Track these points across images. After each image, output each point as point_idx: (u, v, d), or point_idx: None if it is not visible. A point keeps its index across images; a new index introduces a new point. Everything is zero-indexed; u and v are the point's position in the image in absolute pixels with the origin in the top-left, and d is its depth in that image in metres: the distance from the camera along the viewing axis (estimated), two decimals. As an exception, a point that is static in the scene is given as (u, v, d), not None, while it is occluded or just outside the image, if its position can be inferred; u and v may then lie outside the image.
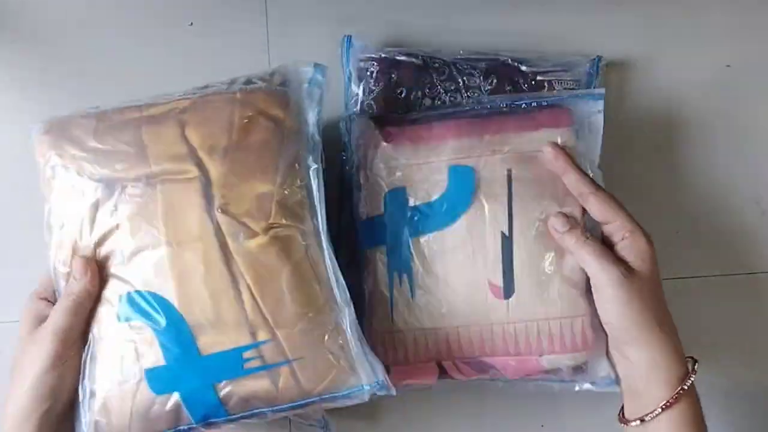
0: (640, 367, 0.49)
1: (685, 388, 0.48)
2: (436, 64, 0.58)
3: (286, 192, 0.48)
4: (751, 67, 0.64)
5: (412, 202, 0.53)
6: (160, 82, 0.62)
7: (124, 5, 0.62)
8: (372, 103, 0.58)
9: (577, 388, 0.55)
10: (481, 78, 0.58)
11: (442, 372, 0.54)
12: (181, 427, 0.47)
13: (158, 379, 0.46)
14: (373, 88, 0.58)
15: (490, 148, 0.52)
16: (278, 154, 0.48)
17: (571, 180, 0.51)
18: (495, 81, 0.58)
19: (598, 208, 0.50)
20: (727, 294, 0.64)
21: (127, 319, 0.46)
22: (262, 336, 0.46)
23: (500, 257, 0.51)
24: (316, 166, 0.49)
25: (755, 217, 0.64)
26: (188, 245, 0.46)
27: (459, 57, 0.58)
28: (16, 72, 0.63)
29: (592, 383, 0.54)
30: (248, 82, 0.50)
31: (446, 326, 0.52)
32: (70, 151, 0.48)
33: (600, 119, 0.53)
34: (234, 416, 0.47)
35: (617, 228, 0.50)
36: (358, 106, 0.58)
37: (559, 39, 0.63)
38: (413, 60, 0.58)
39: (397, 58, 0.58)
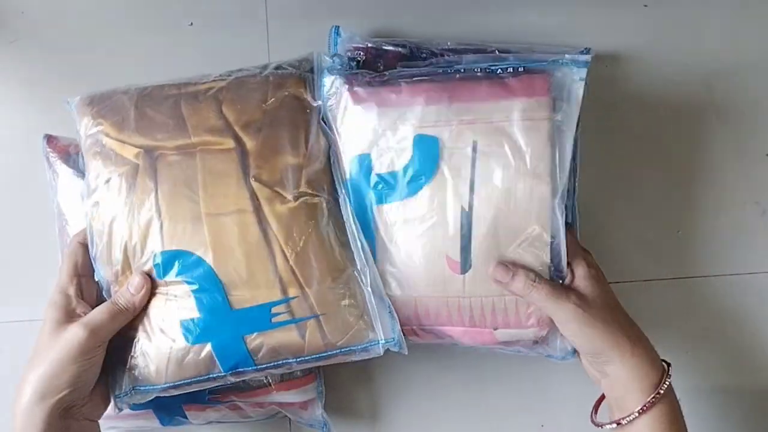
0: (618, 380, 0.51)
1: (661, 392, 0.50)
2: (423, 54, 0.58)
3: (312, 164, 0.52)
4: (750, 63, 0.64)
5: (377, 169, 0.52)
6: (160, 82, 0.62)
7: (124, 5, 0.62)
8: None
9: (532, 355, 0.56)
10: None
11: (402, 334, 0.53)
12: (212, 375, 0.50)
13: (192, 331, 0.50)
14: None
15: (458, 116, 0.50)
16: (306, 131, 0.53)
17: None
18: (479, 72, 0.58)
19: None
20: (728, 294, 0.64)
21: (165, 275, 0.50)
22: (292, 292, 0.50)
23: (459, 232, 0.50)
24: (339, 155, 0.53)
25: (755, 217, 0.64)
26: (225, 209, 0.50)
27: (446, 47, 0.58)
28: (16, 72, 0.63)
29: (549, 356, 0.55)
30: (279, 67, 0.55)
31: (404, 295, 0.52)
32: (112, 119, 0.52)
33: (580, 88, 0.50)
34: (261, 366, 0.51)
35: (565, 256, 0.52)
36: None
37: (549, 32, 0.63)
38: (400, 49, 0.57)
39: (384, 47, 0.57)
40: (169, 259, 0.50)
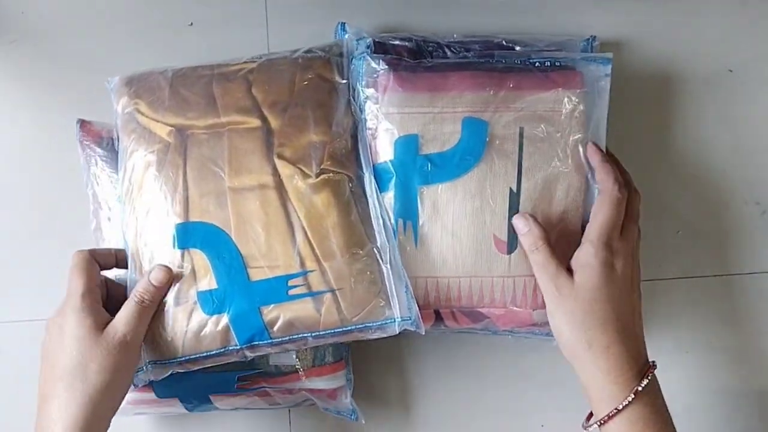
0: (587, 382, 0.50)
1: (619, 408, 0.48)
2: (430, 47, 0.58)
3: (336, 143, 0.53)
4: (750, 62, 0.64)
5: (423, 151, 0.53)
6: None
7: (124, 5, 0.62)
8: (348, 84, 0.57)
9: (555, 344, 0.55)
10: (484, 59, 0.58)
11: (438, 319, 0.55)
12: (229, 348, 0.51)
13: (210, 302, 0.51)
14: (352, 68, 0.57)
15: (504, 104, 0.53)
16: (331, 110, 0.54)
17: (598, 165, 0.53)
18: None
19: (597, 199, 0.52)
20: (728, 294, 0.64)
21: (184, 246, 0.51)
22: (309, 266, 0.51)
23: (507, 213, 0.53)
24: (361, 122, 0.55)
25: (755, 217, 0.64)
26: (248, 184, 0.52)
27: (453, 40, 0.58)
28: (16, 72, 0.63)
29: None
30: (309, 51, 0.56)
31: (448, 276, 0.53)
32: (147, 98, 0.54)
33: (607, 84, 0.54)
34: (276, 340, 0.51)
35: (587, 230, 0.52)
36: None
37: (553, 22, 0.63)
38: (406, 44, 0.58)
39: (391, 42, 0.58)
40: (190, 230, 0.51)
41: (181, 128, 0.53)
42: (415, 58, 0.57)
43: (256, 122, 0.53)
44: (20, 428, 0.50)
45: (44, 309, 0.52)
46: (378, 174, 0.54)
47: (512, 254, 0.53)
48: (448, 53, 0.58)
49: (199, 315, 0.50)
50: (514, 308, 0.54)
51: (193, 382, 0.54)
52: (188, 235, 0.51)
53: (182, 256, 0.51)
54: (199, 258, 0.51)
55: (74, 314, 0.48)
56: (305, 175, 0.52)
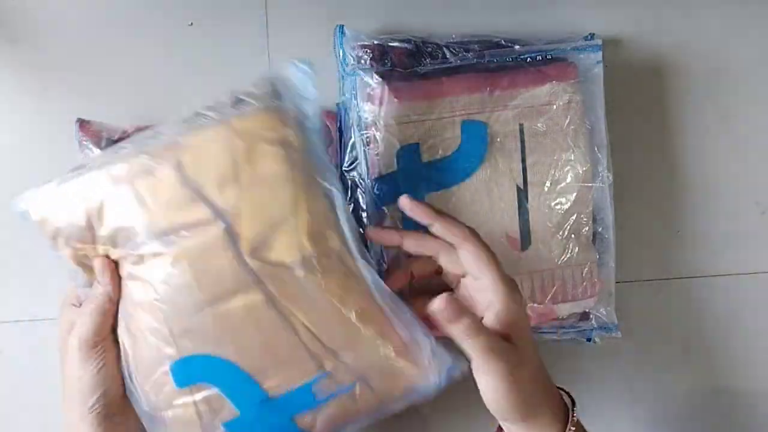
0: None
1: None
2: (429, 48, 0.58)
3: (308, 219, 0.45)
4: (750, 62, 0.64)
5: (425, 158, 0.53)
6: (161, 82, 0.62)
7: (124, 5, 0.62)
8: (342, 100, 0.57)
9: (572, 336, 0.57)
10: (475, 60, 0.58)
11: None
12: None
13: (239, 429, 0.46)
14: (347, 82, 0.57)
15: (501, 103, 0.54)
16: (291, 180, 0.45)
17: (438, 229, 0.47)
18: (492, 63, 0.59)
19: (468, 259, 0.46)
20: (728, 294, 0.64)
21: (187, 384, 0.45)
22: (327, 365, 0.46)
23: (516, 210, 0.53)
24: (331, 187, 0.46)
25: (755, 217, 0.64)
26: (229, 299, 0.44)
27: (452, 40, 0.58)
28: (15, 72, 0.62)
29: (598, 329, 0.57)
30: (237, 102, 0.46)
31: None
32: (64, 225, 0.46)
33: (600, 70, 0.55)
34: None
35: (485, 287, 0.46)
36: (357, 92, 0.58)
37: (552, 20, 0.63)
38: (406, 45, 0.58)
39: (390, 44, 0.58)
40: (187, 365, 0.45)
41: (126, 255, 0.45)
42: (414, 60, 0.57)
43: (207, 217, 0.44)
44: (20, 428, 0.50)
45: (44, 309, 0.52)
46: (385, 186, 0.53)
47: (526, 251, 0.53)
48: (448, 54, 0.58)
49: None
50: (534, 305, 0.54)
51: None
52: (187, 371, 0.45)
53: (190, 393, 0.45)
54: (209, 391, 0.45)
55: (62, 338, 0.48)
56: (287, 270, 0.44)
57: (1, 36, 0.62)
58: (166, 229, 0.44)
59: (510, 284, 0.46)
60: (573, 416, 0.47)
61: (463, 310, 0.45)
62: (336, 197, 0.46)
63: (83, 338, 0.47)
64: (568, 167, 0.54)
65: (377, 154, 0.54)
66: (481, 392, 0.46)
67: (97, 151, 0.55)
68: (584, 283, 0.55)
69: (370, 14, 0.62)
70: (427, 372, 0.46)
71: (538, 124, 0.54)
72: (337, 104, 0.58)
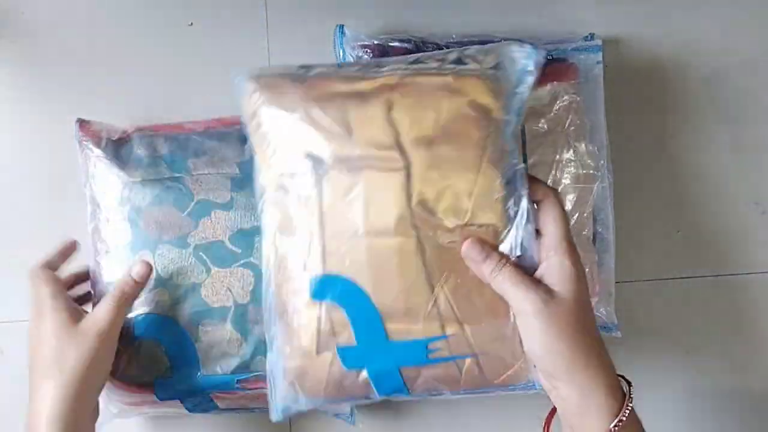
0: (571, 402, 0.45)
1: (619, 425, 0.44)
2: (429, 48, 0.58)
3: (485, 191, 0.47)
4: (750, 62, 0.64)
5: None
6: (161, 82, 0.62)
7: (124, 5, 0.62)
8: None
9: None
10: None
11: None
12: (369, 397, 0.50)
13: (349, 357, 0.48)
14: None
15: None
16: (483, 149, 0.47)
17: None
18: None
19: (546, 212, 0.47)
20: (728, 294, 0.64)
21: (322, 299, 0.48)
22: (450, 330, 0.47)
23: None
24: (521, 165, 0.47)
25: (755, 217, 0.64)
26: (386, 236, 0.47)
27: (451, 40, 0.59)
28: (15, 72, 0.63)
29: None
30: (459, 61, 0.48)
31: None
32: (280, 116, 0.48)
33: (600, 70, 0.55)
34: (416, 395, 0.50)
35: (546, 245, 0.46)
36: None
37: (553, 19, 0.63)
38: (406, 45, 0.58)
39: (390, 44, 0.58)
40: (327, 283, 0.48)
41: (316, 160, 0.47)
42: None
43: (395, 161, 0.46)
44: (21, 428, 0.50)
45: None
46: None
47: None
48: None
49: (339, 367, 0.49)
50: None
51: (193, 385, 0.55)
52: (325, 288, 0.48)
53: (320, 307, 0.48)
54: (337, 313, 0.48)
55: (49, 314, 0.50)
56: (448, 230, 0.46)
57: (0, 36, 0.62)
58: (356, 157, 0.47)
59: (572, 246, 0.46)
60: (630, 398, 0.45)
61: (489, 249, 0.46)
62: (518, 178, 0.47)
63: (105, 328, 0.49)
64: (569, 168, 0.54)
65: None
66: (523, 336, 0.46)
67: (97, 151, 0.55)
68: (592, 281, 0.55)
69: (370, 14, 0.62)
70: (531, 373, 0.48)
71: (539, 125, 0.54)
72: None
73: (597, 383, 0.44)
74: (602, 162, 0.56)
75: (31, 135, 0.62)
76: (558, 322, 0.44)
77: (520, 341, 0.47)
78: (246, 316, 0.55)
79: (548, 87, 0.54)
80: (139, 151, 0.56)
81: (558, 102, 0.54)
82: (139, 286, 0.52)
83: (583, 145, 0.54)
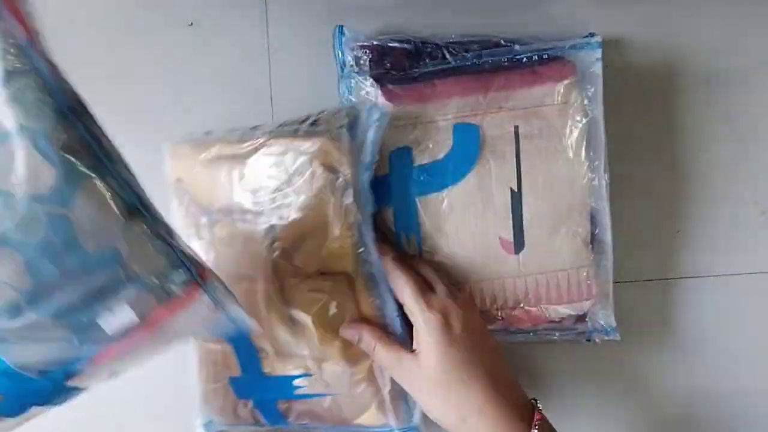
0: None
1: None
2: (429, 49, 0.58)
3: (337, 242, 0.51)
4: (750, 62, 0.64)
5: (417, 161, 0.53)
6: (160, 82, 0.62)
7: (124, 5, 0.62)
8: (371, 90, 0.57)
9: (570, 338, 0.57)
10: (475, 60, 0.58)
11: None
12: (261, 424, 0.56)
13: (238, 387, 0.55)
14: (369, 76, 0.57)
15: (495, 104, 0.53)
16: (330, 203, 0.51)
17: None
18: (490, 61, 0.58)
19: (391, 284, 0.51)
20: (727, 294, 0.64)
21: (218, 336, 0.54)
22: (311, 368, 0.53)
23: (510, 213, 0.53)
24: (363, 216, 0.51)
25: (755, 217, 0.64)
26: (254, 282, 0.52)
27: (451, 40, 0.58)
28: (16, 72, 0.62)
29: (594, 331, 0.56)
30: (315, 123, 0.52)
31: (458, 283, 0.54)
32: (183, 176, 0.55)
33: (599, 68, 0.54)
34: (294, 427, 0.56)
35: (408, 311, 0.50)
36: (354, 95, 0.57)
37: (552, 20, 0.62)
38: (405, 46, 0.58)
39: (390, 44, 0.58)
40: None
41: (209, 211, 0.54)
42: (413, 61, 0.57)
43: (258, 214, 0.52)
44: (22, 429, 0.50)
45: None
46: (377, 189, 0.53)
47: (520, 253, 0.53)
48: (447, 54, 0.57)
49: (232, 396, 0.55)
50: (528, 307, 0.54)
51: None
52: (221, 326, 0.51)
53: (219, 341, 0.55)
54: (227, 347, 0.54)
55: None
56: (305, 276, 0.52)
57: (1, 36, 0.62)
58: (236, 211, 0.53)
59: (421, 303, 0.49)
60: (538, 411, 0.48)
61: (360, 330, 0.50)
62: (365, 232, 0.51)
63: None
64: (564, 169, 0.53)
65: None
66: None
67: None
68: (580, 286, 0.54)
69: (370, 14, 0.62)
70: (389, 418, 0.53)
71: (534, 126, 0.53)
72: (340, 80, 0.58)
73: (490, 423, 0.46)
74: (597, 162, 0.55)
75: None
76: (426, 383, 0.48)
77: (377, 386, 0.52)
78: (42, 298, 0.40)
79: (543, 87, 0.53)
80: None
81: (553, 102, 0.54)
82: None
83: (579, 146, 0.54)
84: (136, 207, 0.40)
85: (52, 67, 0.39)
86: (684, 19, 0.63)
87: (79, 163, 0.38)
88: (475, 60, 0.55)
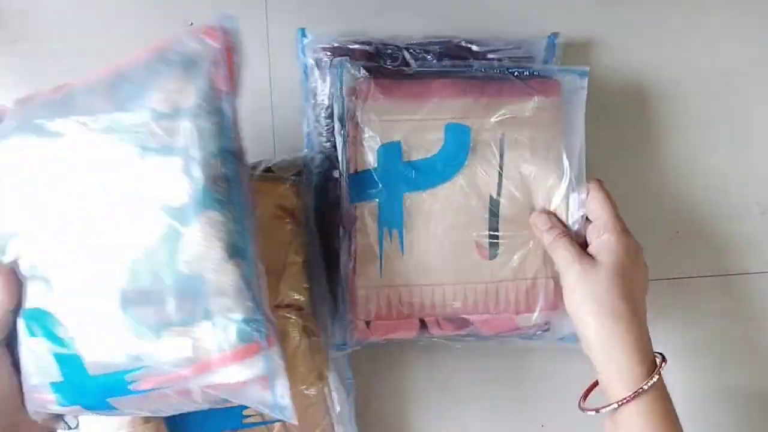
0: (603, 364, 0.49)
1: (644, 388, 0.47)
2: (389, 50, 0.58)
3: (291, 276, 0.54)
4: (750, 62, 0.64)
5: (406, 158, 0.53)
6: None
7: (124, 5, 0.62)
8: (329, 93, 0.57)
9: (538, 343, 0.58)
10: (435, 61, 0.58)
11: (423, 327, 0.55)
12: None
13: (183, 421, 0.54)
14: (328, 77, 0.57)
15: (486, 110, 0.53)
16: (287, 244, 0.54)
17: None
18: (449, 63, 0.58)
19: (591, 203, 0.52)
20: (727, 294, 0.64)
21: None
22: None
23: (487, 219, 0.53)
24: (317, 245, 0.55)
25: (755, 217, 0.64)
26: None
27: (412, 42, 0.58)
28: (15, 72, 0.62)
29: (561, 339, 0.56)
30: (269, 170, 0.55)
31: (433, 283, 0.53)
32: None
33: (583, 95, 0.54)
34: None
35: (597, 226, 0.52)
36: (315, 98, 0.58)
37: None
38: (366, 47, 0.58)
39: (350, 46, 0.58)
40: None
41: None
42: (374, 62, 0.57)
43: None
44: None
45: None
46: (362, 182, 0.53)
47: (494, 260, 0.53)
48: (407, 56, 0.58)
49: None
50: (498, 314, 0.54)
51: (86, 388, 0.45)
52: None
53: None
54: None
55: None
56: (275, 307, 0.53)
57: (1, 36, 0.62)
58: None
59: (619, 224, 0.52)
60: (658, 371, 0.48)
61: (554, 221, 0.52)
62: (316, 262, 0.55)
63: None
64: (544, 181, 0.53)
65: (357, 149, 0.53)
66: (566, 300, 0.51)
67: None
68: (547, 296, 0.54)
69: (370, 14, 0.62)
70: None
71: (520, 136, 0.53)
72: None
73: (628, 349, 0.48)
74: (578, 180, 0.53)
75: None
76: (595, 288, 0.49)
77: (326, 408, 0.54)
78: (127, 300, 0.43)
79: (531, 100, 0.53)
80: (11, 123, 0.47)
81: (541, 115, 0.53)
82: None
83: (560, 160, 0.53)
84: (239, 253, 0.42)
85: (235, 114, 0.44)
86: (683, 19, 0.64)
87: (213, 195, 0.42)
88: (468, 67, 0.55)
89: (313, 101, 0.58)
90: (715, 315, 0.64)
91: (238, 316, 0.42)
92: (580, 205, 0.53)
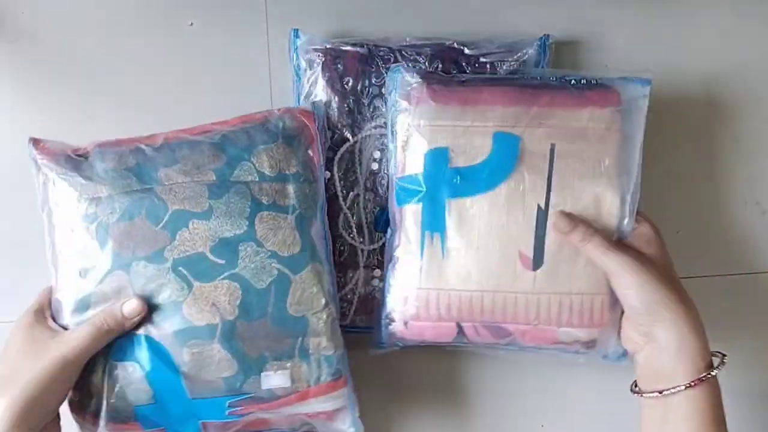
0: (669, 345, 0.49)
1: (713, 373, 0.48)
2: (382, 52, 0.58)
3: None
4: (750, 62, 0.64)
5: (453, 164, 0.53)
6: (161, 82, 0.62)
7: (124, 5, 0.62)
8: (321, 94, 0.58)
9: (581, 360, 0.56)
10: (427, 63, 0.59)
11: (460, 332, 0.55)
12: None
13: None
14: (320, 79, 0.58)
15: (536, 120, 0.53)
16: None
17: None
18: (440, 66, 0.59)
19: None
20: (727, 294, 0.64)
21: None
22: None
23: (534, 229, 0.52)
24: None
25: (755, 217, 0.64)
26: None
27: (405, 44, 0.59)
28: (16, 72, 0.63)
29: (604, 357, 0.55)
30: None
31: (472, 290, 0.53)
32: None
33: (645, 103, 0.54)
34: None
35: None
36: (308, 98, 0.59)
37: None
38: (358, 49, 0.58)
39: (343, 48, 0.58)
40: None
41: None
42: (366, 63, 0.58)
43: None
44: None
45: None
46: (406, 186, 0.54)
47: (538, 271, 0.52)
48: (400, 58, 0.58)
49: None
50: (540, 325, 0.53)
51: (180, 412, 0.51)
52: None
53: None
54: None
55: (21, 327, 0.50)
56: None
57: (1, 36, 0.62)
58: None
59: (648, 217, 0.53)
60: (725, 356, 0.49)
61: (576, 221, 0.52)
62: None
63: (69, 357, 0.47)
64: (594, 195, 0.52)
65: (405, 152, 0.54)
66: (621, 296, 0.51)
67: (56, 169, 0.52)
68: (593, 313, 0.53)
69: (370, 14, 0.62)
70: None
71: (571, 147, 0.52)
72: (312, 103, 0.58)
73: (696, 326, 0.49)
74: (631, 196, 0.53)
75: (28, 135, 0.62)
76: (652, 274, 0.49)
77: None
78: (234, 332, 0.51)
79: (587, 110, 0.53)
80: (103, 164, 0.52)
81: (594, 127, 0.53)
82: (126, 321, 0.49)
83: (613, 175, 0.53)
84: (333, 299, 0.54)
85: (322, 177, 0.55)
86: (684, 20, 0.64)
87: (319, 251, 0.53)
88: (523, 75, 0.56)
89: (305, 102, 0.58)
90: (715, 315, 0.64)
91: (330, 353, 0.52)
92: (630, 218, 0.53)
